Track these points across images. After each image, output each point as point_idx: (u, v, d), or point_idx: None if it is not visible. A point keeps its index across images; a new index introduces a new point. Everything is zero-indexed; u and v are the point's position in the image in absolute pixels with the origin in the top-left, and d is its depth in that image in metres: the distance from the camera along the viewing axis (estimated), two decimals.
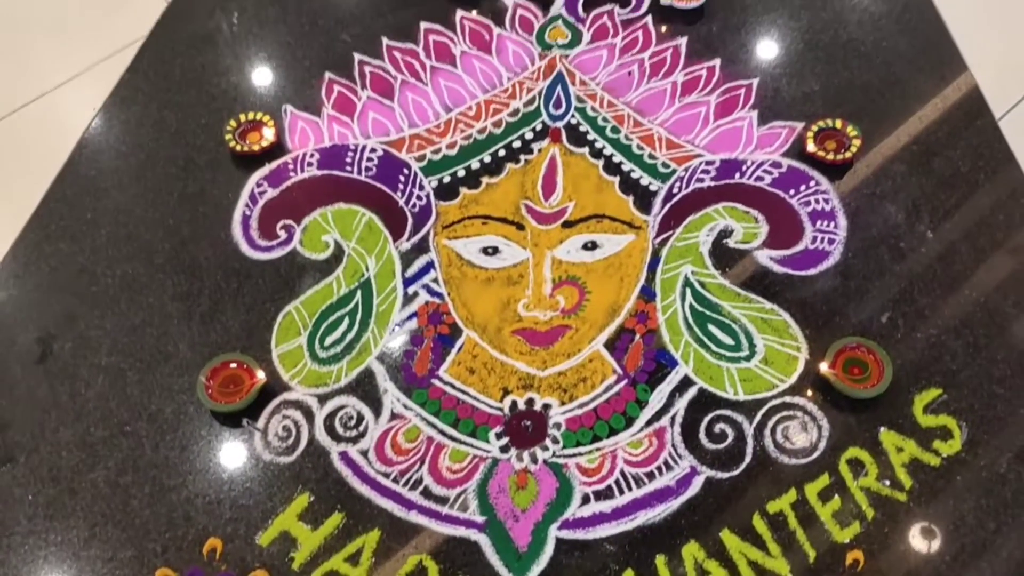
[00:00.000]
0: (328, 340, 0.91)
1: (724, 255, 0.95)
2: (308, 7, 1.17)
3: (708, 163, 1.01)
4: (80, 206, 1.01)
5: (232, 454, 0.85)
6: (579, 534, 0.80)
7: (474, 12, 1.15)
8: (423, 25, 1.13)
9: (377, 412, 0.87)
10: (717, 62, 1.09)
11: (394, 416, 0.86)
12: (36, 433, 0.87)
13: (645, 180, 1.00)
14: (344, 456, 0.84)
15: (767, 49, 1.10)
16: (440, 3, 1.16)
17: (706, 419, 0.85)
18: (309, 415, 0.87)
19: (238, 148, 1.02)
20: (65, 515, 0.82)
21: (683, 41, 1.11)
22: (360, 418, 0.86)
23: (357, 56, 1.11)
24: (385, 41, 1.12)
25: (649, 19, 1.13)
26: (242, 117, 1.04)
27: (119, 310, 0.94)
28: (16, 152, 1.09)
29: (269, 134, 1.03)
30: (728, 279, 0.93)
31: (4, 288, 0.96)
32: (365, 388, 0.88)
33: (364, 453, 0.84)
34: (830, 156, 0.99)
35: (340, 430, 0.86)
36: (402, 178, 1.01)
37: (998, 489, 0.81)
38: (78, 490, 0.84)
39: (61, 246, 0.98)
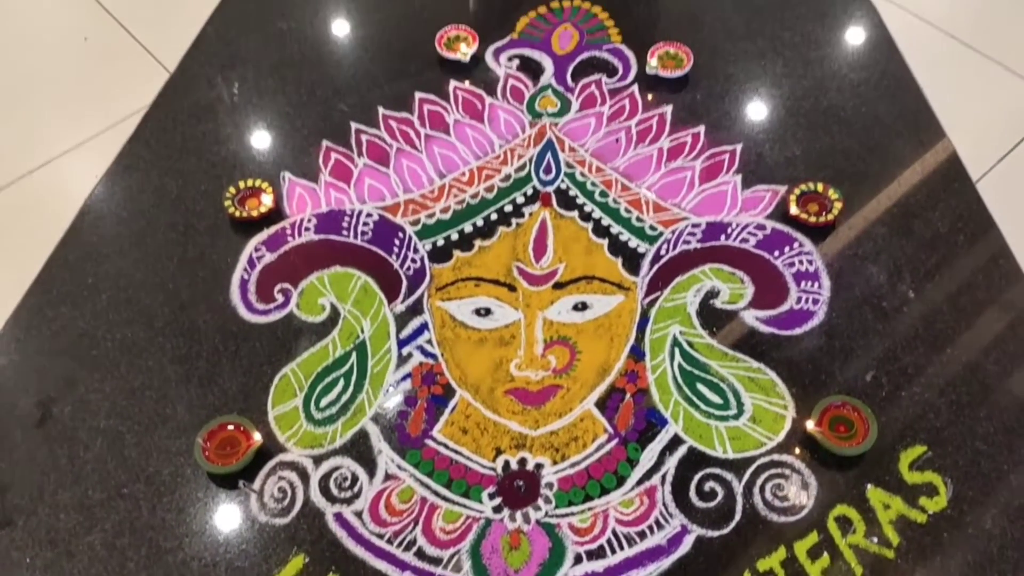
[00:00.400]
0: (323, 401, 0.92)
1: (711, 315, 0.97)
2: (306, 78, 1.21)
3: (694, 226, 1.03)
4: (82, 271, 1.03)
5: (228, 516, 0.86)
6: None
7: (467, 82, 1.19)
8: (418, 95, 1.17)
9: (371, 473, 0.88)
10: (702, 128, 1.12)
11: (388, 477, 0.88)
12: (35, 496, 0.88)
13: (633, 242, 1.03)
14: (339, 517, 0.85)
15: (750, 116, 1.14)
16: (434, 74, 1.20)
17: (696, 477, 0.86)
18: (304, 476, 0.88)
19: (237, 214, 1.05)
20: None
21: (668, 109, 1.15)
22: (355, 479, 0.88)
23: (354, 125, 1.14)
24: (381, 110, 1.16)
25: (635, 88, 1.17)
26: (241, 184, 1.07)
27: (118, 373, 0.95)
28: (20, 219, 1.11)
29: (267, 200, 1.06)
30: (716, 339, 0.95)
31: (6, 352, 0.97)
32: (360, 449, 0.89)
33: (359, 514, 0.85)
34: (812, 219, 1.02)
35: (335, 491, 0.87)
36: (397, 242, 1.04)
37: (984, 545, 0.82)
38: (75, 553, 0.84)
39: (63, 310, 1.00)
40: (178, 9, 1.29)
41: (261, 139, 1.14)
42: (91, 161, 1.10)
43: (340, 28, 1.28)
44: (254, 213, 1.05)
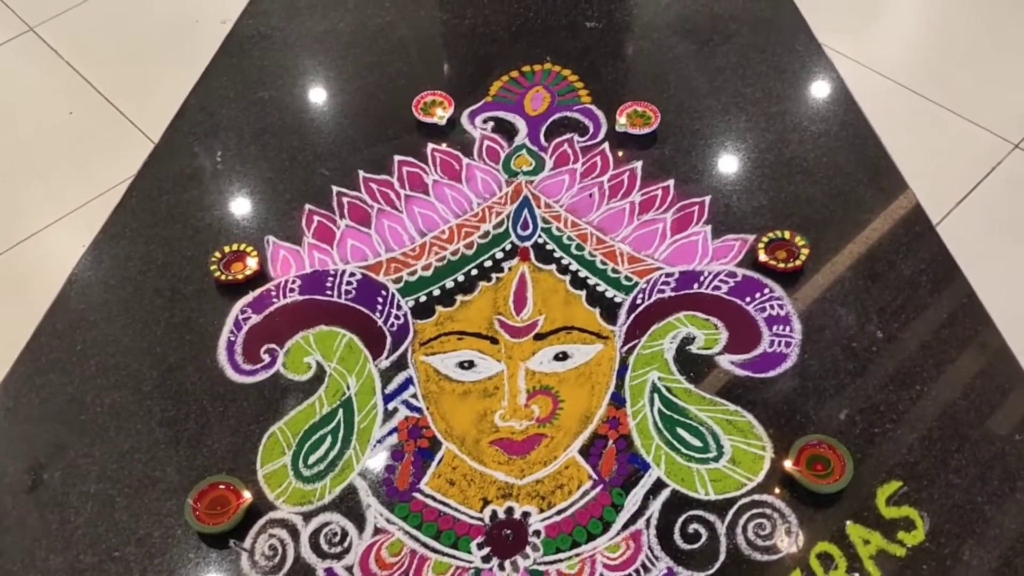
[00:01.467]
0: (312, 459, 0.94)
1: (688, 361, 1.00)
2: (287, 144, 1.24)
3: (668, 275, 1.07)
4: (70, 338, 1.05)
5: (220, 575, 0.87)
6: None
7: (444, 145, 1.23)
8: (397, 158, 1.21)
9: (361, 527, 0.89)
10: (671, 182, 1.17)
11: (377, 531, 0.89)
12: (26, 562, 0.88)
13: (610, 293, 1.06)
14: (330, 572, 0.86)
15: (717, 168, 1.18)
16: (412, 137, 1.24)
17: (680, 520, 0.88)
18: (294, 533, 0.89)
19: (223, 277, 1.07)
20: None
21: (639, 164, 1.19)
22: (344, 534, 0.89)
23: (335, 188, 1.18)
24: (361, 173, 1.19)
25: (606, 145, 1.22)
26: (226, 248, 1.10)
27: (107, 437, 0.96)
28: (8, 289, 1.13)
29: (252, 263, 1.08)
30: (693, 384, 0.98)
31: None
32: (348, 504, 0.91)
33: (349, 569, 0.86)
34: (781, 264, 1.06)
35: (325, 547, 0.88)
36: (380, 299, 1.06)
37: (963, 575, 0.84)
38: None
39: (51, 377, 1.02)
40: (160, 82, 1.33)
41: (245, 204, 1.18)
42: (78, 230, 1.12)
43: (319, 96, 1.33)
44: (239, 276, 1.08)
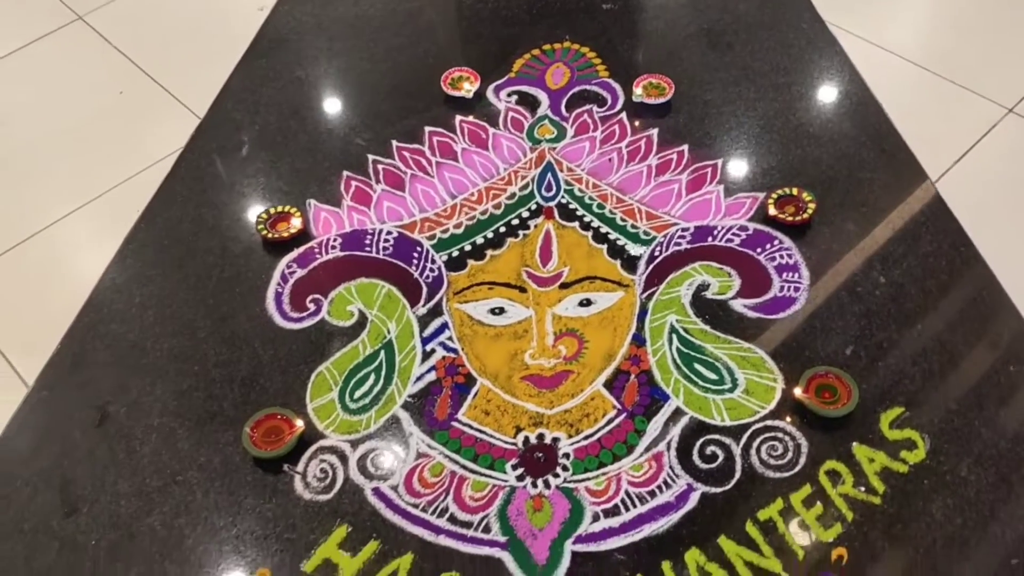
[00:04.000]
0: (357, 394, 1.01)
1: (703, 305, 1.08)
2: (324, 119, 1.33)
3: (684, 230, 1.15)
4: (128, 292, 1.13)
5: (276, 495, 0.94)
6: (592, 547, 0.89)
7: (471, 116, 1.31)
8: (427, 129, 1.29)
9: (405, 452, 0.97)
10: (685, 147, 1.24)
11: (420, 455, 0.97)
12: (97, 486, 0.96)
13: (630, 246, 1.14)
14: (377, 491, 0.94)
15: (728, 135, 1.26)
16: (440, 111, 1.32)
17: (698, 443, 0.96)
18: (343, 458, 0.97)
19: (269, 236, 1.16)
20: (126, 556, 0.91)
21: (655, 132, 1.27)
22: (389, 458, 0.96)
23: (371, 157, 1.26)
24: (395, 143, 1.28)
25: (624, 115, 1.30)
26: (271, 210, 1.18)
27: (168, 378, 1.04)
28: (69, 249, 1.21)
29: (296, 222, 1.16)
30: (708, 325, 1.06)
31: (63, 366, 1.07)
32: (392, 433, 0.99)
33: (395, 488, 0.94)
34: (790, 218, 1.13)
35: (372, 469, 0.96)
36: (416, 255, 1.14)
37: (962, 489, 0.91)
38: (136, 534, 0.92)
39: (112, 327, 1.10)
40: (203, 65, 1.42)
41: (286, 172, 1.26)
42: (131, 197, 1.21)
43: (352, 75, 1.41)
44: (285, 234, 1.16)
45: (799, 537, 0.88)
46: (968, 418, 0.96)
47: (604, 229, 1.16)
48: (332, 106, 1.36)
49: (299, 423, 0.98)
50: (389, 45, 1.45)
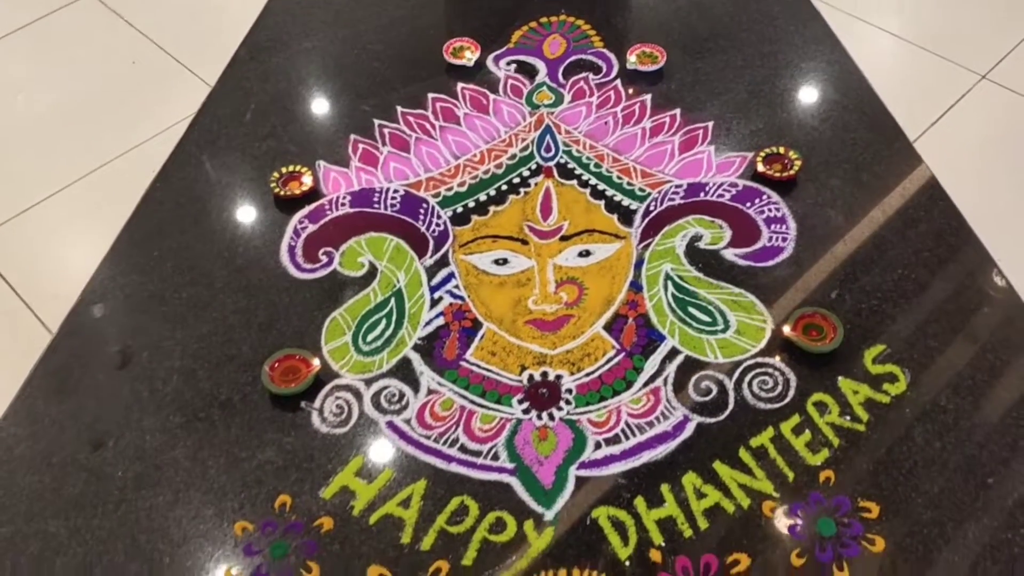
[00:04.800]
0: (369, 337, 1.07)
1: (697, 255, 1.14)
2: (331, 86, 1.38)
3: (677, 187, 1.21)
4: (147, 247, 1.18)
5: (294, 429, 0.99)
6: (594, 472, 0.95)
7: (472, 84, 1.37)
8: (430, 95, 1.35)
9: (416, 389, 1.02)
10: (678, 111, 1.31)
11: (430, 392, 1.02)
12: (122, 423, 1.01)
13: (626, 202, 1.19)
14: (390, 424, 0.99)
15: (718, 99, 1.32)
16: (443, 78, 1.38)
17: (693, 378, 1.02)
18: (358, 395, 1.02)
19: (281, 193, 1.21)
20: (151, 485, 0.96)
21: (648, 97, 1.33)
22: (402, 395, 1.02)
23: (376, 121, 1.32)
24: (399, 108, 1.33)
25: (618, 82, 1.36)
26: (283, 169, 1.23)
27: (187, 324, 1.09)
28: (88, 207, 1.26)
29: (307, 180, 1.22)
30: (701, 272, 1.11)
31: (85, 313, 1.11)
32: (404, 372, 1.04)
33: (407, 421, 0.99)
34: (777, 174, 1.20)
35: (385, 405, 1.01)
36: (422, 211, 1.20)
37: (941, 416, 0.97)
38: (162, 465, 0.97)
39: (133, 278, 1.14)
40: (212, 35, 1.47)
41: (295, 136, 1.31)
42: (147, 159, 1.25)
43: (357, 45, 1.47)
44: (296, 191, 1.21)
45: (789, 461, 0.94)
46: (946, 355, 1.02)
47: (601, 187, 1.22)
48: (338, 74, 1.41)
49: (316, 362, 1.03)
50: (393, 17, 1.50)
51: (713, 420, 0.98)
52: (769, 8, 1.47)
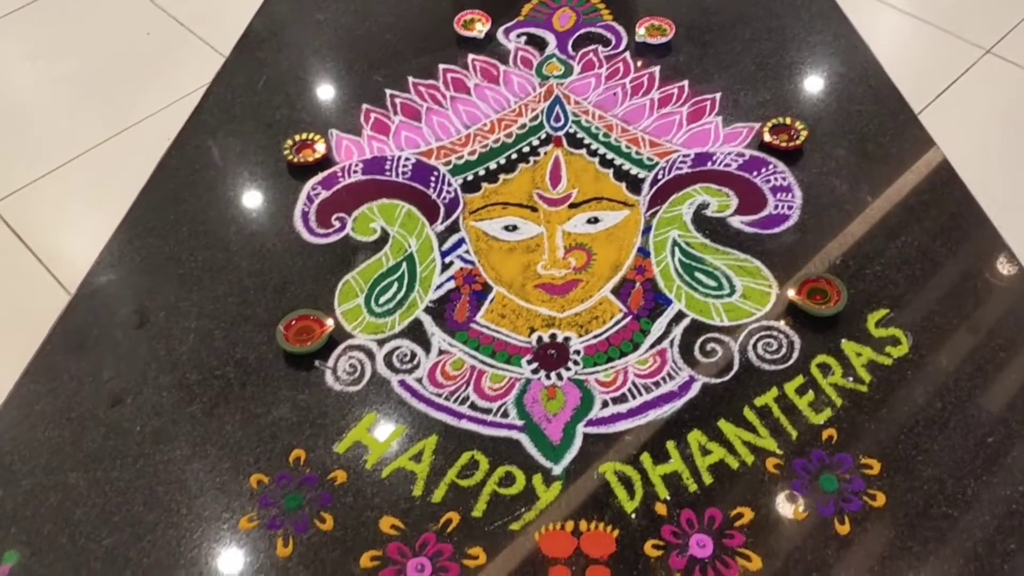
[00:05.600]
0: (382, 299, 1.09)
1: (704, 222, 1.15)
2: (343, 57, 1.40)
3: (685, 156, 1.22)
4: (164, 211, 1.20)
5: (308, 387, 1.02)
6: (601, 429, 0.97)
7: (483, 55, 1.38)
8: (441, 66, 1.37)
9: (427, 350, 1.04)
10: (686, 83, 1.32)
11: (441, 352, 1.04)
12: (140, 380, 1.03)
13: (634, 171, 1.21)
14: (403, 383, 1.01)
15: (726, 71, 1.34)
16: (454, 50, 1.40)
17: (699, 340, 1.04)
18: (371, 355, 1.04)
19: (295, 160, 1.23)
20: (169, 440, 0.98)
21: (656, 69, 1.35)
22: (413, 355, 1.04)
23: (388, 91, 1.33)
24: (411, 79, 1.35)
25: (627, 54, 1.37)
26: (297, 137, 1.25)
27: (203, 285, 1.12)
28: (106, 173, 1.28)
29: (320, 148, 1.24)
30: (708, 239, 1.13)
31: (103, 274, 1.14)
32: (416, 333, 1.06)
33: (419, 380, 1.02)
34: (783, 144, 1.21)
35: (397, 364, 1.03)
36: (433, 178, 1.22)
37: (941, 378, 0.99)
38: (179, 420, 0.99)
39: (149, 241, 1.17)
40: (224, 8, 1.49)
41: (308, 105, 1.33)
42: (163, 127, 1.28)
43: (369, 17, 1.48)
44: (309, 159, 1.23)
45: (793, 420, 0.96)
46: (948, 317, 1.04)
47: (610, 156, 1.23)
48: (350, 46, 1.43)
49: (329, 322, 1.05)
50: None
51: (718, 381, 1.00)
52: None
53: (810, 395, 0.98)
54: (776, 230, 1.14)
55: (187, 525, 0.92)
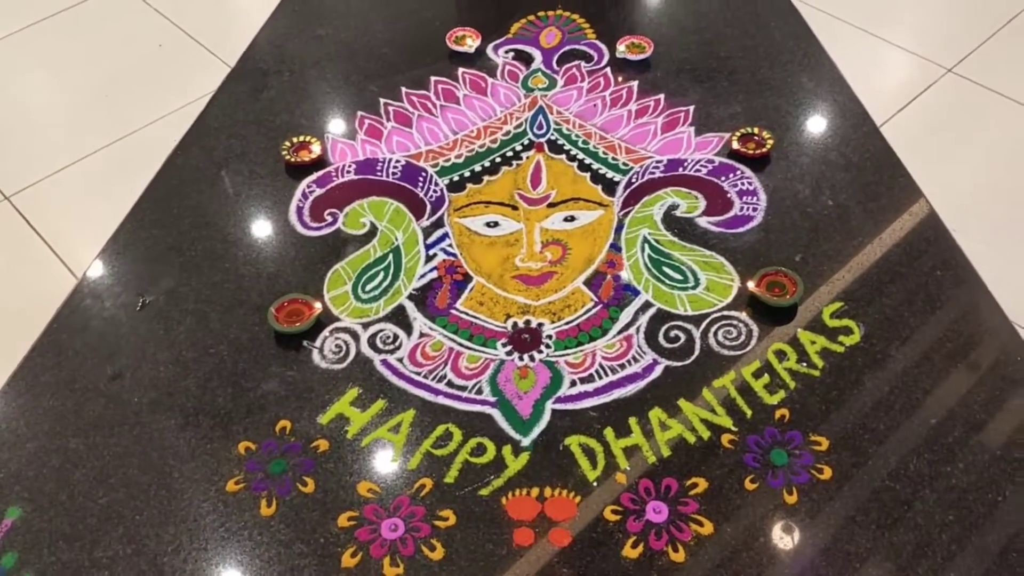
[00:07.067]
0: (368, 287, 1.16)
1: (673, 222, 1.23)
2: (341, 69, 1.49)
3: (658, 162, 1.30)
4: (167, 204, 1.28)
5: (296, 365, 1.08)
6: (569, 406, 1.03)
7: (472, 69, 1.47)
8: (433, 78, 1.45)
9: (409, 333, 1.11)
10: (662, 96, 1.40)
11: (422, 335, 1.11)
12: (139, 356, 1.10)
13: (610, 175, 1.29)
14: (384, 362, 1.08)
15: (700, 86, 1.42)
16: (445, 63, 1.48)
17: (663, 328, 1.10)
18: (355, 336, 1.11)
19: (292, 159, 1.31)
20: (165, 410, 1.05)
21: (635, 83, 1.43)
22: (396, 337, 1.11)
23: (382, 100, 1.42)
24: (404, 89, 1.44)
25: (608, 70, 1.46)
26: (294, 139, 1.34)
27: (201, 273, 1.19)
28: (116, 170, 1.37)
29: (316, 149, 1.32)
30: (676, 237, 1.21)
31: (108, 262, 1.21)
32: (399, 318, 1.13)
33: (400, 360, 1.08)
34: (751, 151, 1.29)
35: (380, 345, 1.10)
36: (421, 179, 1.29)
37: (891, 365, 1.05)
38: (174, 393, 1.06)
39: (153, 232, 1.25)
40: (232, 23, 1.58)
41: (307, 112, 1.41)
42: (169, 129, 1.36)
43: (367, 33, 1.58)
44: (306, 159, 1.31)
45: (748, 400, 1.03)
46: (899, 311, 1.11)
47: (588, 160, 1.31)
48: (348, 59, 1.52)
49: (317, 306, 1.12)
50: (401, 8, 1.61)
51: (680, 364, 1.07)
52: (753, 6, 1.57)
53: (765, 378, 1.05)
54: (741, 230, 1.21)
55: (178, 486, 0.98)
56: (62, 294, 1.18)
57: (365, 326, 1.12)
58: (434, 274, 1.18)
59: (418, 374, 1.07)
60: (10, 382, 1.08)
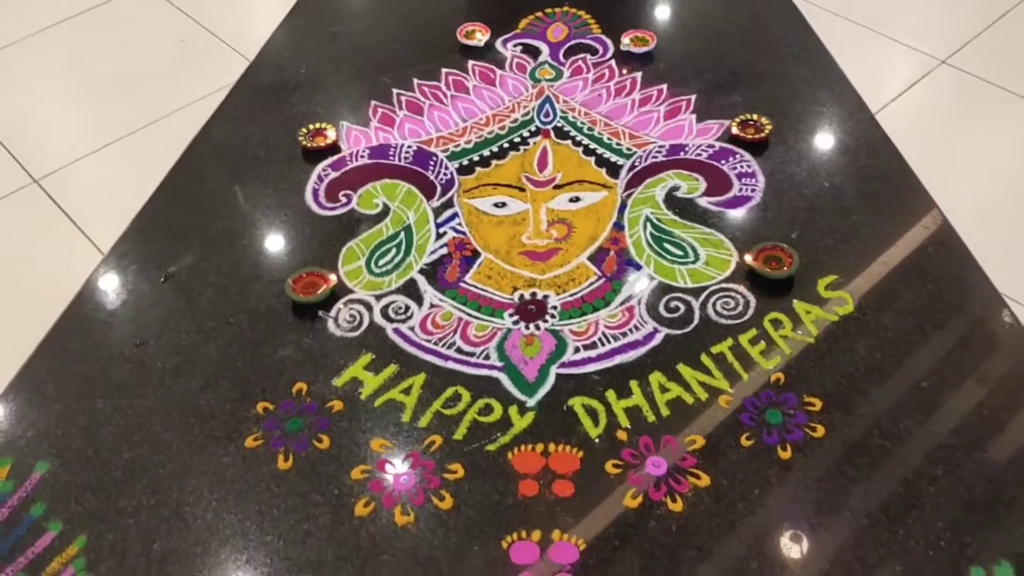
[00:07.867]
0: (381, 262, 1.21)
1: (674, 202, 1.27)
2: (355, 63, 1.55)
3: (660, 146, 1.35)
4: (189, 188, 1.33)
5: (312, 333, 1.13)
6: (572, 370, 1.08)
7: (482, 61, 1.53)
8: (444, 70, 1.51)
9: (420, 304, 1.16)
10: (664, 86, 1.46)
11: (432, 306, 1.16)
12: (162, 325, 1.15)
13: (614, 159, 1.34)
14: (397, 331, 1.13)
15: (702, 77, 1.47)
16: (456, 57, 1.54)
17: (664, 299, 1.15)
18: (369, 307, 1.16)
19: (308, 145, 1.36)
20: (187, 374, 1.10)
21: (639, 74, 1.48)
22: (407, 308, 1.16)
23: (395, 90, 1.48)
24: (416, 80, 1.49)
25: (612, 62, 1.51)
26: (310, 126, 1.39)
27: (221, 249, 1.24)
28: (140, 157, 1.43)
29: (331, 135, 1.38)
30: (678, 216, 1.25)
31: (132, 239, 1.27)
32: (410, 290, 1.18)
33: (411, 328, 1.13)
34: (750, 136, 1.34)
35: (392, 315, 1.15)
36: (432, 162, 1.35)
37: (882, 333, 1.09)
38: (196, 359, 1.11)
39: (175, 212, 1.30)
40: (251, 21, 1.65)
41: (322, 102, 1.47)
42: (191, 119, 1.42)
43: (380, 29, 1.64)
44: (321, 144, 1.37)
45: (745, 365, 1.07)
46: (892, 283, 1.15)
47: (593, 145, 1.36)
48: (362, 53, 1.58)
49: (332, 278, 1.17)
50: (415, 5, 1.68)
51: (679, 332, 1.11)
52: (754, 4, 1.63)
53: (762, 345, 1.09)
54: (739, 209, 1.26)
55: (199, 443, 1.03)
56: (88, 268, 1.23)
57: (378, 298, 1.17)
58: (444, 251, 1.23)
59: (428, 341, 1.12)
60: (39, 349, 1.13)
